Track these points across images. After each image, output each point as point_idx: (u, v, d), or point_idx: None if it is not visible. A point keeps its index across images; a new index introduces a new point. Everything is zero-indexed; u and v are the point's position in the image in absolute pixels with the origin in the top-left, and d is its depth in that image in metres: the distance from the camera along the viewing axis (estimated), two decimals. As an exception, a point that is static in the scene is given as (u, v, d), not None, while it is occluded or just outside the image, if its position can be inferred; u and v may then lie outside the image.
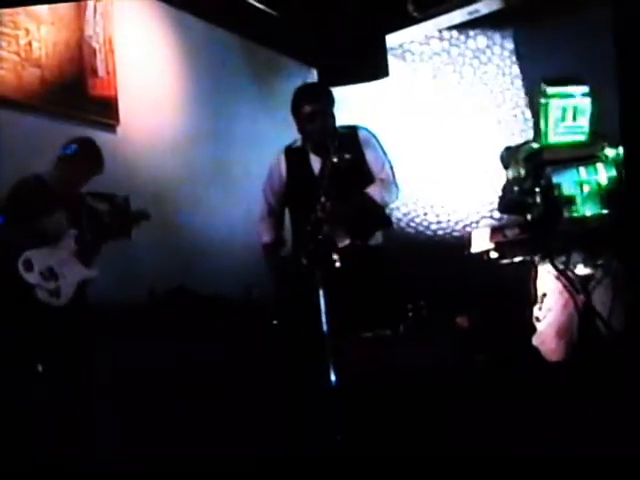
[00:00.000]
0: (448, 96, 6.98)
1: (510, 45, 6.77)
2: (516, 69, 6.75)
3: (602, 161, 3.66)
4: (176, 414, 4.16)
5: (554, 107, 3.73)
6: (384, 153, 4.20)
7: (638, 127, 2.53)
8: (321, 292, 3.56)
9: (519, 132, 6.56)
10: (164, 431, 4.05)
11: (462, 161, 6.77)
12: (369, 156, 4.14)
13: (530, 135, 6.16)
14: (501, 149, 4.12)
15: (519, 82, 6.73)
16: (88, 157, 4.24)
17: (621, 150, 3.59)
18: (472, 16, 6.65)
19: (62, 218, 4.18)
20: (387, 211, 4.30)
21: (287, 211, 4.32)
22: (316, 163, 4.10)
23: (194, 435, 3.95)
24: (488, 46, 6.85)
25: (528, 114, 6.59)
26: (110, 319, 4.31)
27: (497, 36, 6.81)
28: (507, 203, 3.96)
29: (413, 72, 7.10)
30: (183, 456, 3.78)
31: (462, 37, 6.92)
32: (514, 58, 6.76)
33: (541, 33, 6.35)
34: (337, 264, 3.71)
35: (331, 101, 4.15)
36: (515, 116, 6.72)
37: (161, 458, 3.81)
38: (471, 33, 6.87)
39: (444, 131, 6.90)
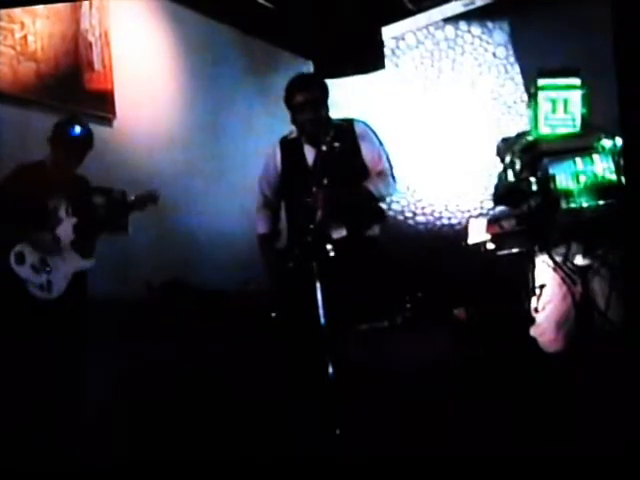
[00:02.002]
0: (437, 89, 7.00)
1: (506, 36, 6.78)
2: (512, 61, 6.76)
3: (599, 152, 3.66)
4: (173, 407, 4.16)
5: (543, 99, 3.73)
6: (381, 146, 4.19)
7: (637, 119, 2.53)
8: (318, 284, 3.56)
9: (512, 123, 6.59)
10: (162, 425, 4.06)
11: (457, 153, 6.77)
12: (365, 149, 4.13)
13: (522, 125, 6.24)
14: (496, 140, 4.12)
15: (516, 75, 6.75)
16: (82, 136, 4.26)
17: (618, 141, 3.59)
18: (467, 8, 6.65)
19: (60, 205, 4.18)
20: (383, 204, 4.29)
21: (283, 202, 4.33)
22: (310, 154, 4.10)
23: (192, 428, 3.96)
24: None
25: (518, 106, 6.64)
26: (107, 312, 4.32)
27: (491, 27, 6.82)
28: (503, 194, 3.96)
29: (402, 65, 7.11)
30: (181, 449, 3.79)
31: (453, 28, 6.93)
32: (511, 50, 6.77)
33: (537, 24, 6.36)
34: (331, 253, 3.70)
35: (324, 91, 4.14)
36: (509, 107, 6.75)
37: (159, 453, 3.82)
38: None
39: (438, 123, 6.91)
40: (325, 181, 3.79)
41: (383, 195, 4.16)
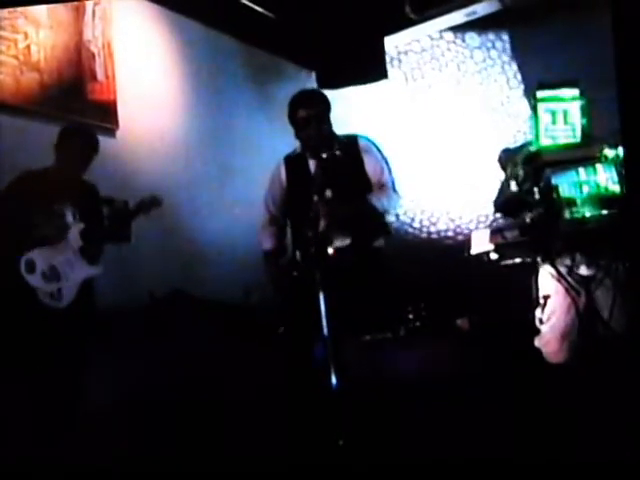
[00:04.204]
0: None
1: (505, 47, 6.79)
2: (510, 69, 6.77)
3: (601, 162, 3.66)
4: (175, 417, 4.16)
5: (543, 110, 3.74)
6: (385, 161, 4.21)
7: (638, 127, 2.53)
8: (321, 295, 3.56)
9: (515, 133, 6.60)
10: (163, 433, 4.06)
11: (460, 163, 6.78)
12: (368, 163, 4.15)
13: (512, 126, 6.26)
14: (492, 145, 4.13)
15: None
16: (88, 140, 4.27)
17: (620, 151, 3.59)
18: (469, 18, 6.67)
19: (67, 210, 4.19)
20: (387, 218, 4.28)
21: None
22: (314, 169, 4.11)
23: (192, 439, 3.95)
24: (481, 47, 6.88)
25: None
26: (110, 322, 4.32)
27: (491, 37, 6.84)
28: (505, 204, 3.96)
29: (413, 73, 7.14)
30: (181, 460, 3.78)
31: (451, 38, 6.95)
32: (510, 59, 6.78)
33: (538, 35, 6.38)
34: (332, 259, 3.69)
35: (327, 106, 4.15)
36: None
37: (161, 460, 3.81)
38: (464, 34, 6.90)
39: (441, 134, 6.92)
40: (328, 192, 3.79)
41: (386, 209, 4.16)
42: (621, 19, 2.60)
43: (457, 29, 6.87)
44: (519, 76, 6.70)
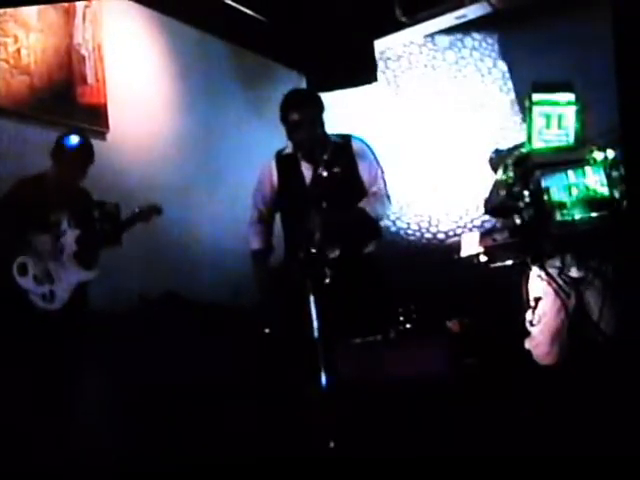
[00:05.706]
0: (431, 101, 7.03)
1: (495, 49, 6.81)
2: (500, 73, 6.79)
3: (590, 164, 3.67)
4: (167, 419, 4.15)
5: (537, 114, 3.74)
6: (378, 165, 4.19)
7: (637, 128, 2.54)
8: (312, 298, 3.56)
9: (507, 135, 6.61)
10: (157, 435, 4.05)
11: (450, 166, 6.79)
12: (362, 167, 4.13)
13: (517, 138, 6.25)
14: (486, 150, 4.14)
15: (506, 86, 6.78)
16: (85, 148, 4.27)
17: (609, 153, 3.61)
18: (459, 21, 6.68)
19: (62, 217, 4.19)
20: (380, 224, 4.28)
21: (279, 218, 4.32)
22: (307, 171, 4.09)
23: (185, 441, 3.95)
24: (471, 50, 6.89)
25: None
26: (100, 325, 4.31)
27: (482, 40, 6.85)
28: (496, 206, 3.97)
29: (395, 79, 7.15)
30: (175, 460, 3.78)
31: (445, 42, 6.96)
32: (499, 62, 6.80)
33: (528, 37, 6.40)
34: (327, 279, 3.69)
35: (320, 108, 4.13)
36: (502, 120, 6.76)
37: (155, 461, 3.81)
38: (455, 37, 6.92)
39: (431, 137, 6.93)
40: (324, 203, 3.78)
41: (379, 215, 4.16)
42: (621, 19, 2.60)
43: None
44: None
